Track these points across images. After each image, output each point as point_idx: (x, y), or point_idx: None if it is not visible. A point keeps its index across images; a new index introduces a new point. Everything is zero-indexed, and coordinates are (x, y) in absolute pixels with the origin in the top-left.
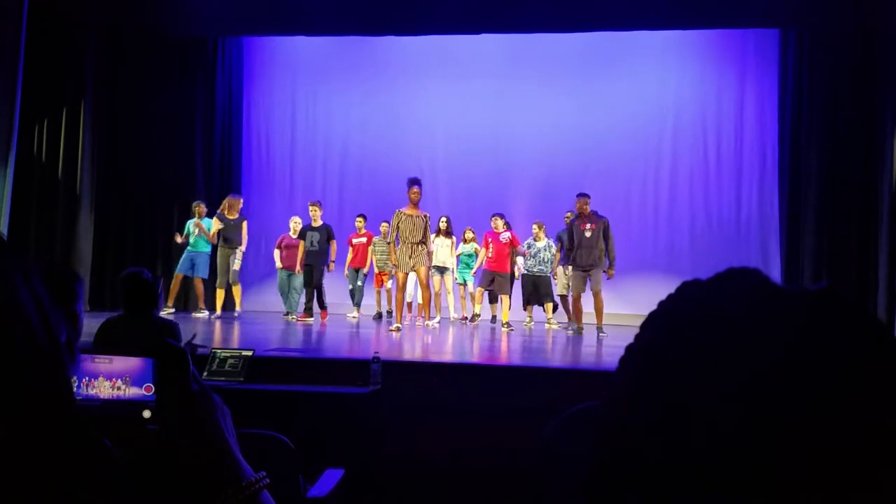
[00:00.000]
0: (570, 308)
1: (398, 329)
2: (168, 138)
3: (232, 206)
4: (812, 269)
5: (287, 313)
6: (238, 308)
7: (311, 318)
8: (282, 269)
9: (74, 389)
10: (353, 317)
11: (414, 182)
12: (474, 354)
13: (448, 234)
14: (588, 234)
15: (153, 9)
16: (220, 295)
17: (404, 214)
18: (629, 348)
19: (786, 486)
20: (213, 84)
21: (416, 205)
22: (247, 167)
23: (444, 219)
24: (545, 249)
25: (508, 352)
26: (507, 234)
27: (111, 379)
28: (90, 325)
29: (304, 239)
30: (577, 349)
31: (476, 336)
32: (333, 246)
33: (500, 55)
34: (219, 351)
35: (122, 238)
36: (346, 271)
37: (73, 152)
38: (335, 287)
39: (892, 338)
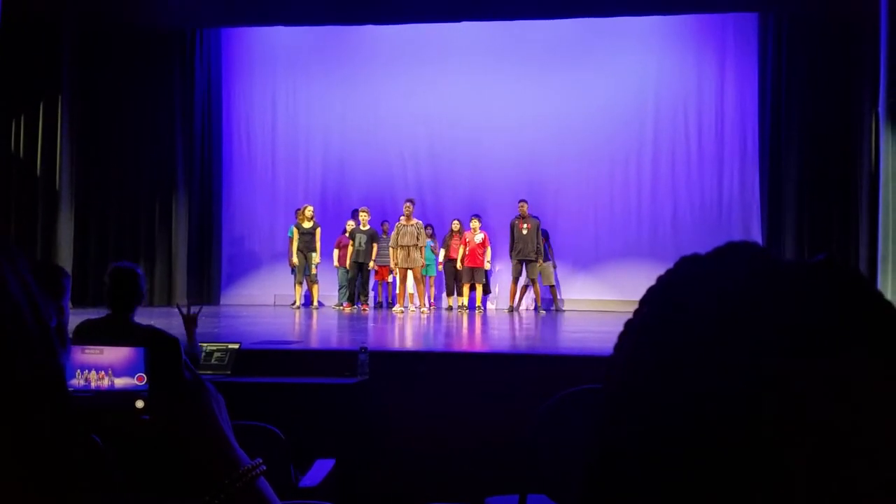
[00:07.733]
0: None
1: (401, 311)
2: (148, 132)
3: (304, 216)
4: (794, 252)
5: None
6: (315, 303)
7: (355, 308)
8: (340, 266)
9: (66, 379)
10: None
11: (407, 200)
12: (458, 342)
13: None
14: (524, 231)
15: (130, 1)
16: (297, 290)
17: (401, 225)
18: (628, 323)
19: (788, 462)
20: (192, 76)
21: (408, 217)
22: (227, 159)
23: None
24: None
25: (492, 339)
26: (481, 234)
27: (102, 370)
28: (71, 321)
29: (353, 240)
30: (562, 336)
31: (460, 324)
32: (374, 247)
33: (480, 43)
34: (205, 344)
35: (103, 234)
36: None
37: (52, 148)
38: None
39: (892, 306)
